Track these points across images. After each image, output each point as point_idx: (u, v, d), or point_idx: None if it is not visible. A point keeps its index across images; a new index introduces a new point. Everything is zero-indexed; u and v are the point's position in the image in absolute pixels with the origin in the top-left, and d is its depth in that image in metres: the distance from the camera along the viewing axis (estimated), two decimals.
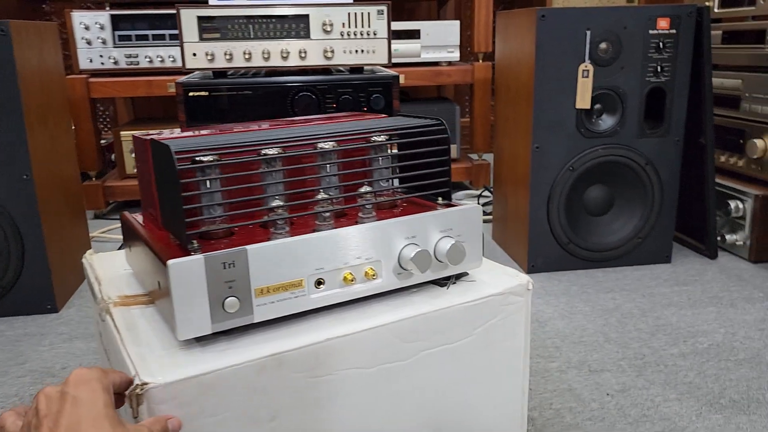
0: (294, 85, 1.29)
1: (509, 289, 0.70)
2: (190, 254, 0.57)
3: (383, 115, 0.84)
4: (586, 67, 1.34)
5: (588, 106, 1.36)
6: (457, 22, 2.07)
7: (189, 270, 0.56)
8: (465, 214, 0.70)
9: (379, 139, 0.70)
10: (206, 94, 1.28)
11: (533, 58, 1.36)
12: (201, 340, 0.60)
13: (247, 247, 0.58)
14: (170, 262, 0.55)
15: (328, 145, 0.66)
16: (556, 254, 1.46)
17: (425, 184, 0.72)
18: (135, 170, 2.00)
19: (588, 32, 1.34)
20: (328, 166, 0.67)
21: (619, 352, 1.10)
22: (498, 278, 0.72)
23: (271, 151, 0.63)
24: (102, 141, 2.19)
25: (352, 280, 0.64)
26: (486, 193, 2.09)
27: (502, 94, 1.57)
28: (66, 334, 1.22)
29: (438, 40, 2.07)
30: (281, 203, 0.63)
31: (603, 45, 1.35)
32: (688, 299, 1.31)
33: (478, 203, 2.01)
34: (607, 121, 1.41)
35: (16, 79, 1.20)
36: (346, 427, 0.64)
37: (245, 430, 0.58)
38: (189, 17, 1.27)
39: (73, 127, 1.94)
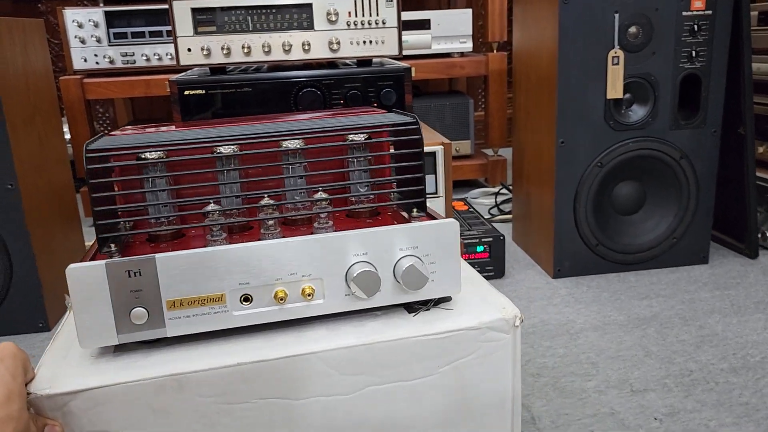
0: (297, 80, 1.19)
1: (487, 323, 0.59)
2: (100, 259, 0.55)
3: (376, 110, 0.76)
4: (615, 53, 1.23)
5: (620, 96, 1.25)
6: (470, 11, 1.96)
7: (88, 276, 0.53)
8: (435, 230, 0.59)
9: (358, 139, 0.63)
10: (203, 92, 1.19)
11: (556, 45, 1.25)
12: (119, 351, 0.57)
13: (156, 255, 0.54)
14: (69, 267, 0.53)
15: (293, 144, 0.61)
16: (583, 257, 1.35)
17: (395, 192, 0.65)
18: None
19: (616, 15, 1.23)
20: (289, 168, 0.62)
21: (663, 369, 0.99)
22: (479, 308, 0.61)
23: (224, 150, 0.61)
24: None
25: (283, 299, 0.57)
26: (504, 191, 1.98)
27: (522, 86, 1.46)
28: None
29: (449, 30, 1.96)
30: (217, 208, 0.60)
31: (633, 29, 1.24)
32: (732, 305, 1.20)
33: (496, 202, 1.91)
34: (638, 112, 1.29)
35: None
36: None
37: None
38: (182, 10, 1.17)
39: (66, 130, 1.85)
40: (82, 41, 1.82)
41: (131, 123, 2.20)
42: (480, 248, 1.38)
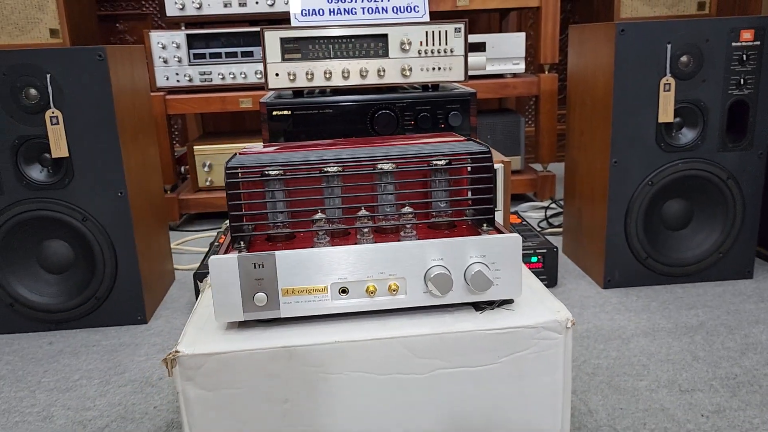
0: (374, 103, 1.31)
1: (542, 323, 0.70)
2: (233, 253, 0.69)
3: (453, 135, 0.88)
4: (667, 80, 1.33)
5: (671, 120, 1.34)
6: (523, 34, 2.07)
7: (224, 266, 0.67)
8: (501, 242, 0.71)
9: (440, 163, 0.75)
10: (289, 113, 1.32)
11: (611, 72, 1.35)
12: (243, 325, 0.71)
13: (276, 252, 0.68)
14: (211, 258, 0.68)
15: (387, 166, 0.74)
16: (633, 269, 1.45)
17: (469, 209, 0.77)
18: (207, 183, 2.06)
19: (669, 46, 1.33)
20: (382, 185, 0.75)
21: (710, 372, 1.09)
22: (537, 311, 0.72)
23: (331, 170, 0.74)
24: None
25: (373, 293, 0.70)
26: (553, 205, 2.08)
27: (576, 108, 1.56)
28: (159, 345, 1.28)
29: (503, 53, 2.07)
30: (323, 216, 0.73)
31: (684, 58, 1.34)
32: None
33: (545, 216, 2.01)
34: (687, 135, 1.39)
35: (112, 100, 1.26)
36: (355, 422, 0.70)
37: (261, 405, 0.68)
38: (273, 39, 1.32)
39: None
40: (165, 61, 1.99)
41: (203, 136, 2.37)
42: (534, 259, 1.48)
